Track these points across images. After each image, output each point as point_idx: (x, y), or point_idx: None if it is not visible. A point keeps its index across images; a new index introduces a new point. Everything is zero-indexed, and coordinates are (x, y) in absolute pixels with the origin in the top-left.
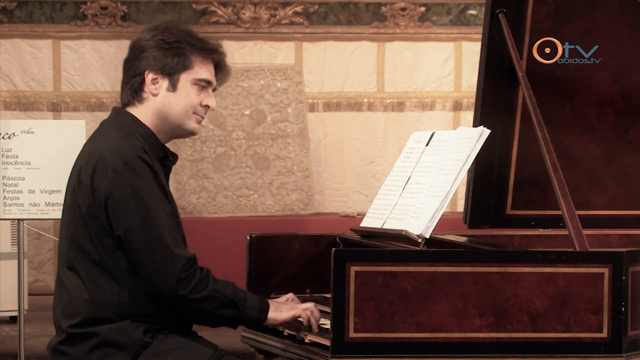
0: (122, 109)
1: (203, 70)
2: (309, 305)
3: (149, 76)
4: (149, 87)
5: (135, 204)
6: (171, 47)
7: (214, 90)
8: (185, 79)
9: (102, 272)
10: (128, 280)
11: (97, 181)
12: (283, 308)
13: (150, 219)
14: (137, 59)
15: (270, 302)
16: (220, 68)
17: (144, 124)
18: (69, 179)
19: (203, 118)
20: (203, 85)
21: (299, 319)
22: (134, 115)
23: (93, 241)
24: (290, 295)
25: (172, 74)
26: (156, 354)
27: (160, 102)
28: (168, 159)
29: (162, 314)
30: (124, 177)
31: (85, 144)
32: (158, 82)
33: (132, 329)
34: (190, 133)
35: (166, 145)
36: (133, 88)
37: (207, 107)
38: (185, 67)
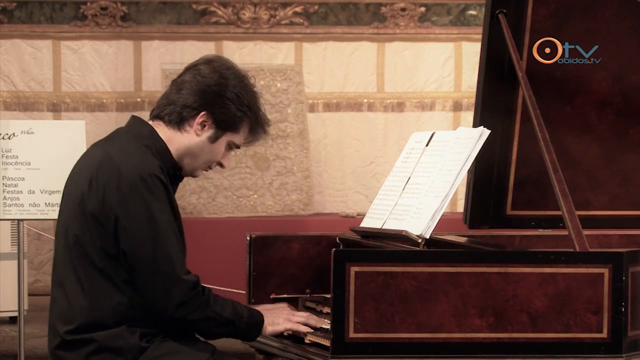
0: (141, 119)
1: (242, 137)
2: (301, 318)
3: (203, 117)
4: (196, 125)
5: (148, 223)
6: (239, 109)
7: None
8: (226, 137)
9: (103, 279)
10: (128, 289)
11: (109, 192)
12: (280, 320)
13: (160, 241)
14: (201, 93)
15: (266, 314)
16: (253, 138)
17: (161, 139)
18: (73, 179)
19: (210, 170)
20: (232, 147)
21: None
22: (153, 129)
23: (97, 248)
24: (284, 304)
25: (220, 129)
26: (153, 359)
27: (196, 144)
28: (176, 176)
29: (160, 322)
30: (139, 194)
31: (94, 145)
32: (205, 127)
33: (129, 335)
34: (192, 176)
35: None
36: (182, 115)
37: (220, 165)
38: (234, 130)
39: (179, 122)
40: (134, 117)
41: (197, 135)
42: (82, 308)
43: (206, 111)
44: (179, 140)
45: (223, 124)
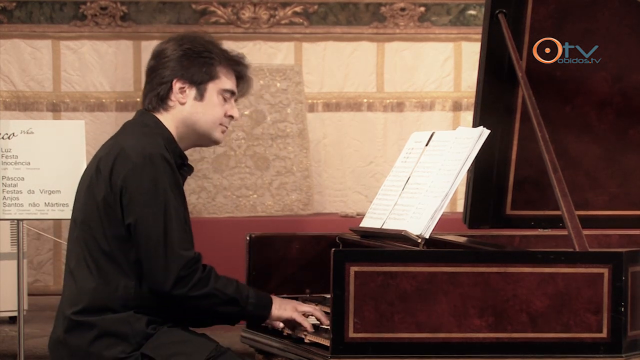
0: (146, 111)
1: (228, 81)
2: (308, 308)
3: (177, 85)
4: (176, 95)
5: (151, 196)
6: (199, 56)
7: (235, 100)
8: (212, 88)
9: (111, 263)
10: (135, 273)
11: (115, 172)
12: (287, 307)
13: (162, 214)
14: (164, 67)
15: (275, 299)
16: (242, 79)
17: (166, 128)
18: (85, 171)
19: (227, 128)
20: (228, 95)
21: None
22: (157, 118)
23: (105, 231)
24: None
25: (199, 84)
26: (158, 346)
27: (188, 111)
28: (184, 168)
29: (166, 308)
30: (143, 169)
31: (107, 141)
32: (185, 91)
33: (135, 320)
34: (215, 142)
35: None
36: (159, 96)
37: (231, 117)
38: (212, 77)
39: (160, 102)
40: (139, 111)
41: (182, 103)
42: (90, 290)
43: (175, 78)
44: (171, 119)
45: (198, 78)
